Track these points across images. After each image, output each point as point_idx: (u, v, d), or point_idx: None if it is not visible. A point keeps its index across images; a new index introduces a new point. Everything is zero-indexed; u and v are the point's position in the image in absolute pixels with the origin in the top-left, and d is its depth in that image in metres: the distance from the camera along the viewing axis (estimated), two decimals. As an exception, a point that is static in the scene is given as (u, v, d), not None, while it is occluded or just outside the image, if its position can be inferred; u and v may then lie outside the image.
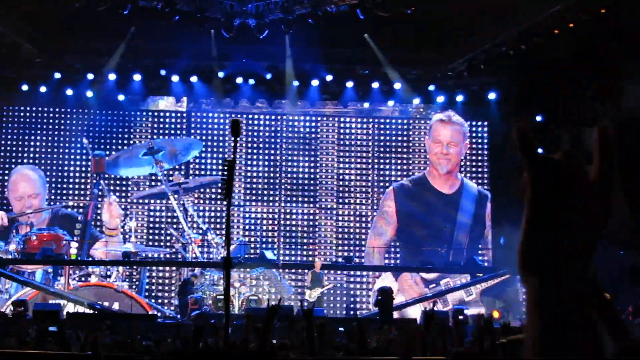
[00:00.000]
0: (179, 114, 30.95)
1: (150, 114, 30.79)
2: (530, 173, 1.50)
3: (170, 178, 28.41)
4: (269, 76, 29.71)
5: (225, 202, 6.17)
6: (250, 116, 30.47)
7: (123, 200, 29.97)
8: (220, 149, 30.48)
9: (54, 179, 29.89)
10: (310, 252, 29.92)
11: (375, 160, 30.70)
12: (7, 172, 29.68)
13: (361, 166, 30.71)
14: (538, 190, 1.49)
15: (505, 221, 28.20)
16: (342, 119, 31.04)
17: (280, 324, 16.18)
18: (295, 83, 29.69)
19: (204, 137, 30.35)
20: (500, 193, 29.29)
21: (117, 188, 30.09)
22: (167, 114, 30.95)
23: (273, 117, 30.94)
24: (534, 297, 1.48)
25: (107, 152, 29.50)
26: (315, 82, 29.74)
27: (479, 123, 30.82)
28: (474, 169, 30.67)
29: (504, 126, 29.32)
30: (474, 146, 30.76)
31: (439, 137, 30.36)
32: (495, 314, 24.63)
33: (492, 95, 29.76)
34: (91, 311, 24.20)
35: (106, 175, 29.38)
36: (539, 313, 1.46)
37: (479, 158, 30.72)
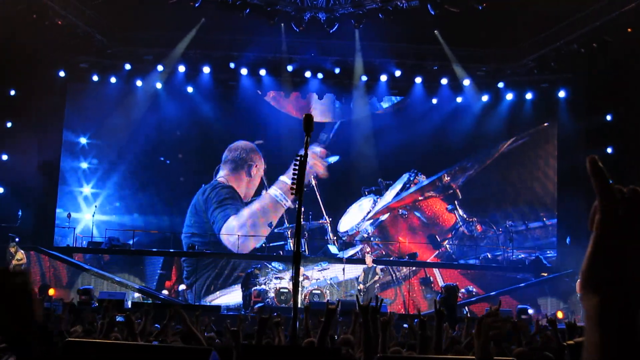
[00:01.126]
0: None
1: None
2: (602, 203, 1.52)
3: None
4: (337, 70, 29.70)
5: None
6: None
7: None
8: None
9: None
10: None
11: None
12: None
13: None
14: (608, 220, 1.51)
15: (571, 221, 28.00)
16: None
17: (343, 319, 16.16)
18: (364, 78, 29.66)
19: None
20: (568, 193, 28.98)
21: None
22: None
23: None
24: (594, 315, 1.50)
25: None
26: (383, 77, 29.65)
27: (548, 121, 30.50)
28: (542, 169, 30.42)
29: (573, 124, 29.04)
30: (542, 144, 30.55)
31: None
32: (560, 314, 24.41)
33: (562, 94, 29.45)
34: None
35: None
36: (599, 331, 1.48)
37: (548, 157, 30.43)
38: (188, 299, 26.60)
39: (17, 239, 25.74)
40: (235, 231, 29.46)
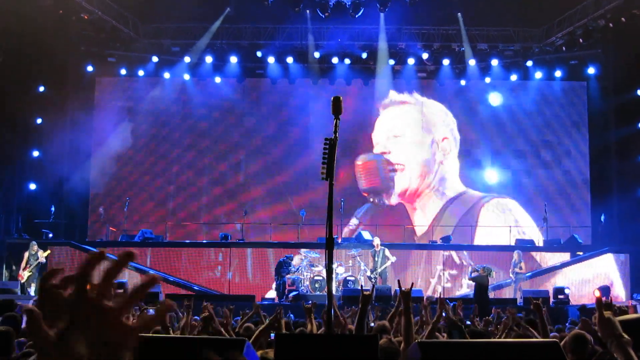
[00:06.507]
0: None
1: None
2: None
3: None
4: (364, 55, 29.63)
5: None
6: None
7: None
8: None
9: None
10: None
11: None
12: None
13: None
14: None
15: (604, 199, 27.82)
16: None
17: (379, 305, 16.07)
18: (391, 62, 29.60)
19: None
20: (599, 170, 28.81)
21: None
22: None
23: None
24: None
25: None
26: (411, 61, 29.55)
27: (579, 98, 30.31)
28: (572, 146, 30.22)
29: (604, 101, 28.85)
30: (573, 122, 30.40)
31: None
32: (597, 293, 24.22)
33: (591, 70, 29.24)
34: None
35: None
36: None
37: (580, 134, 30.24)
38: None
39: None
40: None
